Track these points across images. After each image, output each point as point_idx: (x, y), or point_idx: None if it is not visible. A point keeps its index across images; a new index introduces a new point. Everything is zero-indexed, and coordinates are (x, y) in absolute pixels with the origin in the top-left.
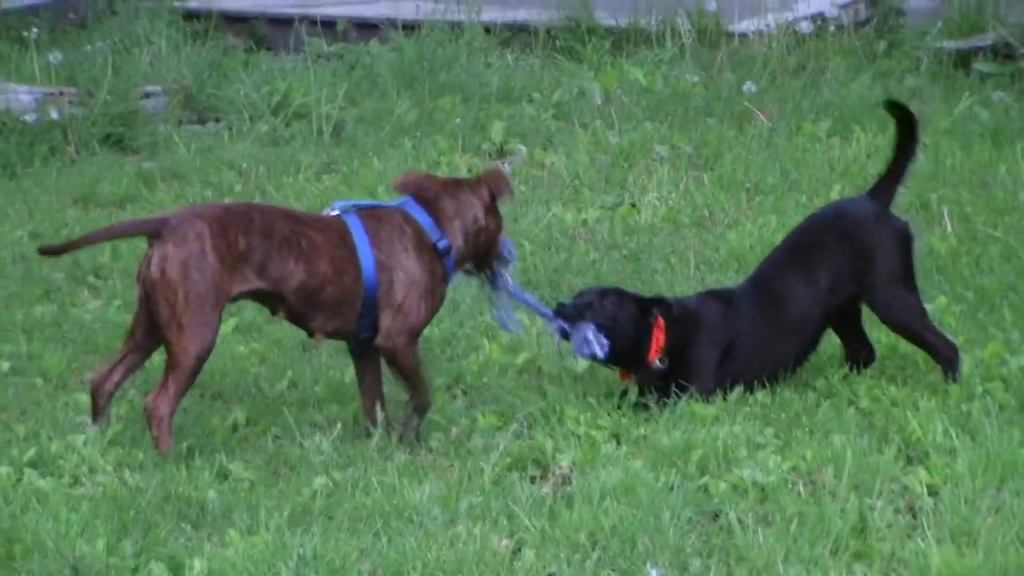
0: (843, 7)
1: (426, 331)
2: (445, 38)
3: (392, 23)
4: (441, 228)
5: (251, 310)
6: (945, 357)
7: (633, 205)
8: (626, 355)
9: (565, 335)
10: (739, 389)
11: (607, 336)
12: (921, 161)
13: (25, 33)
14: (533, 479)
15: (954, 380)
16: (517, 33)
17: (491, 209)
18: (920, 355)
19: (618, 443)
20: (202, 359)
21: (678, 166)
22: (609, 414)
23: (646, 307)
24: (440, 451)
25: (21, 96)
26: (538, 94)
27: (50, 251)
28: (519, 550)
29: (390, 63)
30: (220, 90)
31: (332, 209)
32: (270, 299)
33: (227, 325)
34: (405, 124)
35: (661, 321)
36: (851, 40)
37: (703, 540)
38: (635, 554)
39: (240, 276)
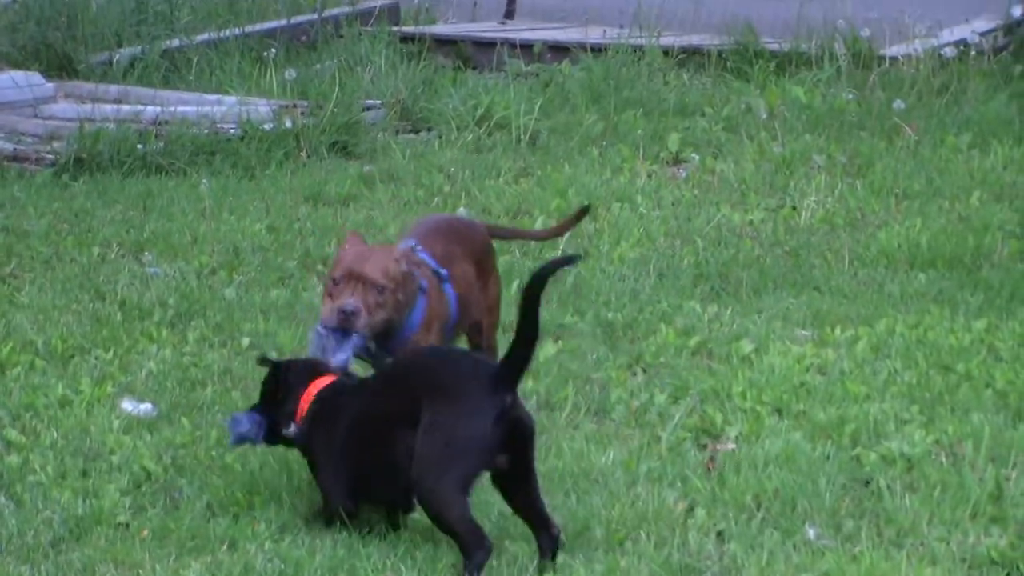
0: (983, 35)
1: (610, 316)
2: (628, 59)
3: (582, 46)
4: None
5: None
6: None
7: (794, 207)
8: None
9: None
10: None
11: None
12: None
13: (264, 53)
14: (704, 447)
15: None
16: (692, 55)
17: None
18: None
19: (780, 417)
20: None
21: (834, 173)
22: (772, 391)
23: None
24: (622, 422)
25: (260, 108)
26: (710, 109)
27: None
28: (692, 509)
29: (580, 81)
30: (431, 103)
31: None
32: None
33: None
34: (592, 135)
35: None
36: (990, 64)
37: (855, 504)
38: (795, 515)
39: None
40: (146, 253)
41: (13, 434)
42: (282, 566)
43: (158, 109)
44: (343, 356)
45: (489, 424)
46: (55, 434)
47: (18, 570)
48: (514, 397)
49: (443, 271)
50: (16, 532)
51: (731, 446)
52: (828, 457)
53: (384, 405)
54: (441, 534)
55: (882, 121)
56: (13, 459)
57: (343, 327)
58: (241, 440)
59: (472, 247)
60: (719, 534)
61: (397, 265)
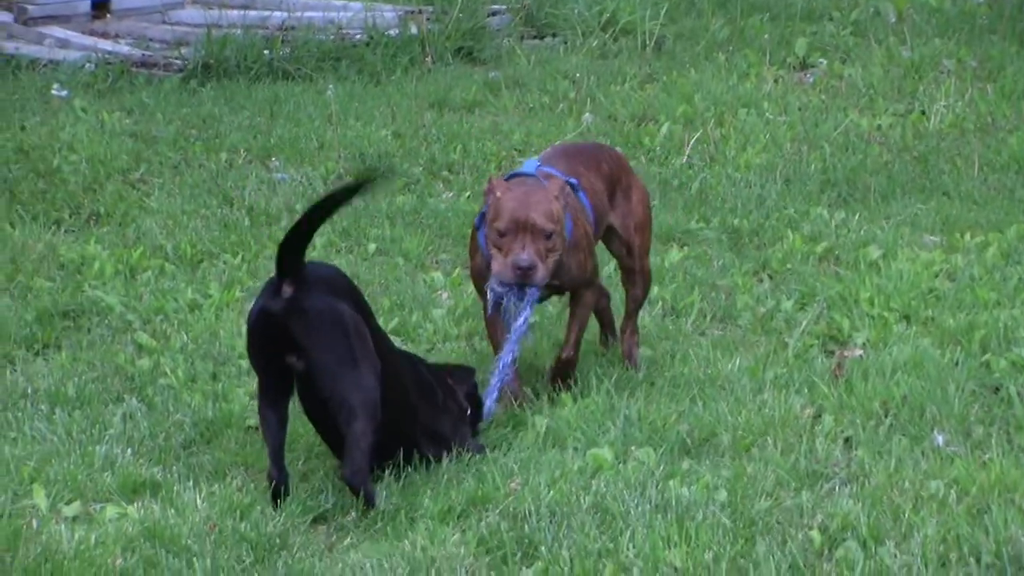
0: None
1: (736, 222)
2: None
3: None
4: None
5: None
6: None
7: (923, 112)
8: None
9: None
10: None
11: None
12: None
13: None
14: (831, 353)
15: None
16: None
17: None
18: None
19: (908, 323)
20: None
21: (964, 78)
22: (900, 298)
23: None
24: (749, 328)
25: (386, 14)
26: (838, 13)
27: None
28: (819, 416)
29: None
30: (557, 9)
31: None
32: None
33: None
34: (719, 40)
35: None
36: None
37: (985, 410)
38: (923, 421)
39: None
40: (273, 159)
41: (144, 338)
42: (410, 470)
43: (284, 15)
44: (527, 313)
45: (252, 322)
46: (185, 338)
47: (150, 471)
48: (297, 287)
49: (573, 180)
50: (148, 434)
51: (858, 352)
52: (957, 363)
53: None
54: (567, 440)
55: (1014, 24)
56: (144, 362)
57: (521, 282)
58: None
59: (598, 165)
60: (846, 440)
61: (557, 204)
